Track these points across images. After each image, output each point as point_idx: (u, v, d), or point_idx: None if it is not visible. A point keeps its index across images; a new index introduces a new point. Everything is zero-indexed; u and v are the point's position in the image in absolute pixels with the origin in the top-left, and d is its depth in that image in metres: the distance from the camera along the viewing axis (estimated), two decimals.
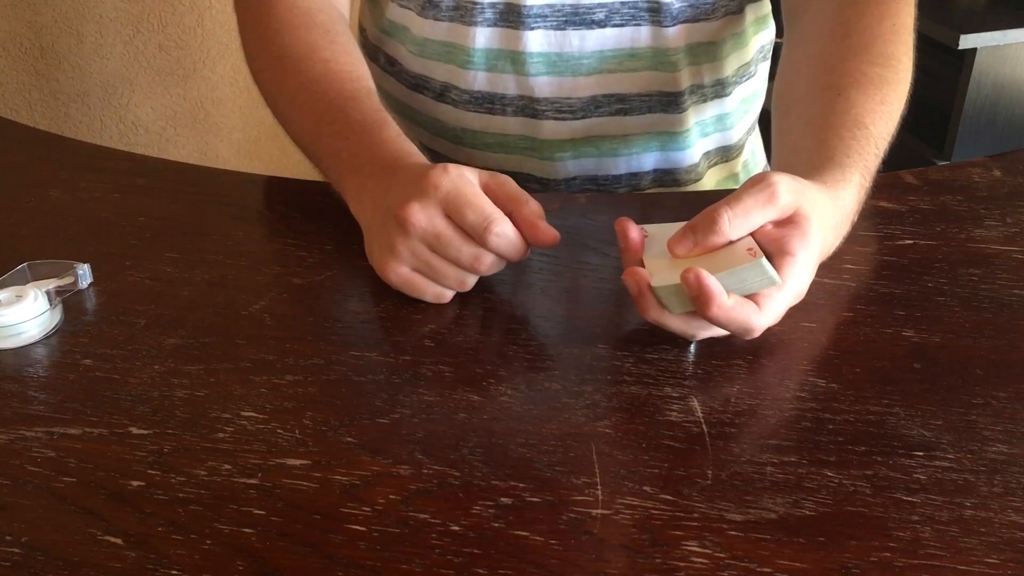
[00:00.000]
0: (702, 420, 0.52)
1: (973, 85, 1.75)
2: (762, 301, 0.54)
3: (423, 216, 0.58)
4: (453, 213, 0.58)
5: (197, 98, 1.77)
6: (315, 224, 0.71)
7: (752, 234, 0.54)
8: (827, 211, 0.57)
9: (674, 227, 0.56)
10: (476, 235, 0.58)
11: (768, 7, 0.87)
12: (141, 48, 1.70)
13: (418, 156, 0.65)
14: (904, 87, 0.68)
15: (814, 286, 0.61)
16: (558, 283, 0.63)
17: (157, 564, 0.44)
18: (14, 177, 0.80)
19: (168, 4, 1.68)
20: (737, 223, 0.53)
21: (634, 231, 0.57)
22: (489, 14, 0.79)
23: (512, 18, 0.79)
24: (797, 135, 0.67)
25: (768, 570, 0.43)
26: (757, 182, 0.54)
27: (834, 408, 0.53)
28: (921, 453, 0.49)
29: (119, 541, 0.45)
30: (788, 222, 0.54)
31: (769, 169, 0.78)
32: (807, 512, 0.46)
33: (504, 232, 0.58)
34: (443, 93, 0.84)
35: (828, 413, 0.52)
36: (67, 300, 0.62)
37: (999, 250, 0.66)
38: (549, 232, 0.59)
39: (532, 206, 0.60)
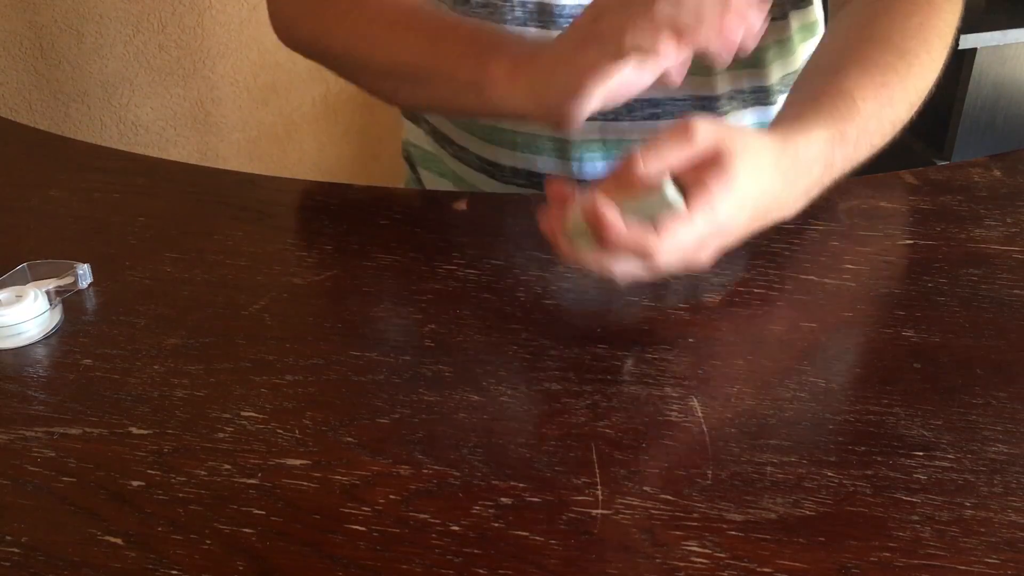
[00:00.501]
0: (702, 420, 0.52)
1: (973, 85, 1.75)
2: (661, 227, 0.53)
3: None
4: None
5: (197, 98, 1.77)
6: (315, 224, 0.71)
7: (678, 177, 0.54)
8: (764, 152, 0.57)
9: None
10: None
11: (815, 14, 0.85)
12: (141, 48, 1.70)
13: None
14: (915, 83, 0.66)
15: (814, 286, 0.61)
16: (558, 283, 0.63)
17: (157, 564, 0.44)
18: (14, 177, 0.80)
19: (168, 4, 1.68)
20: (651, 160, 0.53)
21: (559, 185, 0.57)
22: (519, 13, 0.79)
23: (544, 18, 0.78)
24: (786, 107, 0.66)
25: (768, 570, 0.43)
26: (678, 124, 0.54)
27: (834, 408, 0.53)
28: (921, 453, 0.49)
29: (119, 541, 0.45)
30: (710, 161, 0.54)
31: None
32: (807, 512, 0.46)
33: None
34: None
35: (828, 413, 0.52)
36: (67, 300, 0.62)
37: (999, 250, 0.66)
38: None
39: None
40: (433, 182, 0.93)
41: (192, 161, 1.42)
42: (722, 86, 0.81)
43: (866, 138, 0.63)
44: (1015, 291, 0.62)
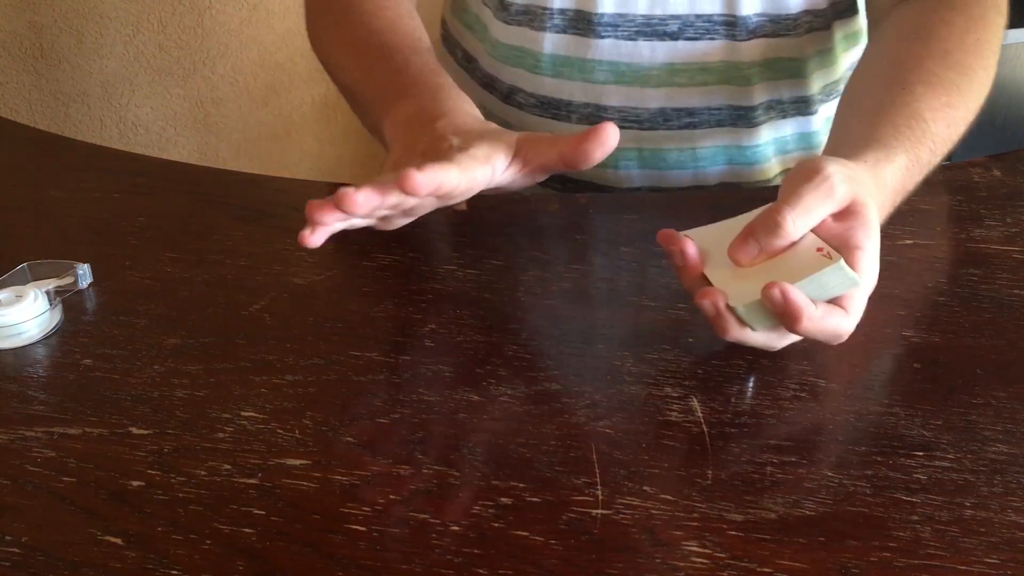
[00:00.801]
0: (702, 420, 0.52)
1: None
2: (847, 304, 0.52)
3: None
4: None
5: (197, 98, 1.77)
6: None
7: (815, 231, 0.52)
8: (875, 192, 0.56)
9: (719, 228, 0.54)
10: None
11: (859, 23, 0.84)
12: (141, 48, 1.70)
13: (462, 107, 0.63)
14: (975, 100, 0.66)
15: None
16: (558, 283, 0.63)
17: (157, 564, 0.44)
18: (14, 177, 0.80)
19: (168, 4, 1.68)
20: (800, 223, 0.52)
21: (691, 247, 0.54)
22: (558, 20, 0.79)
23: (582, 26, 0.78)
24: (853, 121, 0.65)
25: (768, 570, 0.43)
26: (810, 175, 0.52)
27: (834, 408, 0.53)
28: (921, 453, 0.49)
29: (119, 541, 0.45)
30: (848, 213, 0.53)
31: None
32: (807, 512, 0.46)
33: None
34: (509, 95, 0.84)
35: (828, 413, 0.52)
36: (67, 300, 0.62)
37: (999, 250, 0.66)
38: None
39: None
40: None
41: (192, 161, 1.42)
42: (759, 96, 0.81)
43: (933, 159, 0.63)
44: (1015, 291, 0.62)
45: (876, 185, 0.57)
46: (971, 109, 0.66)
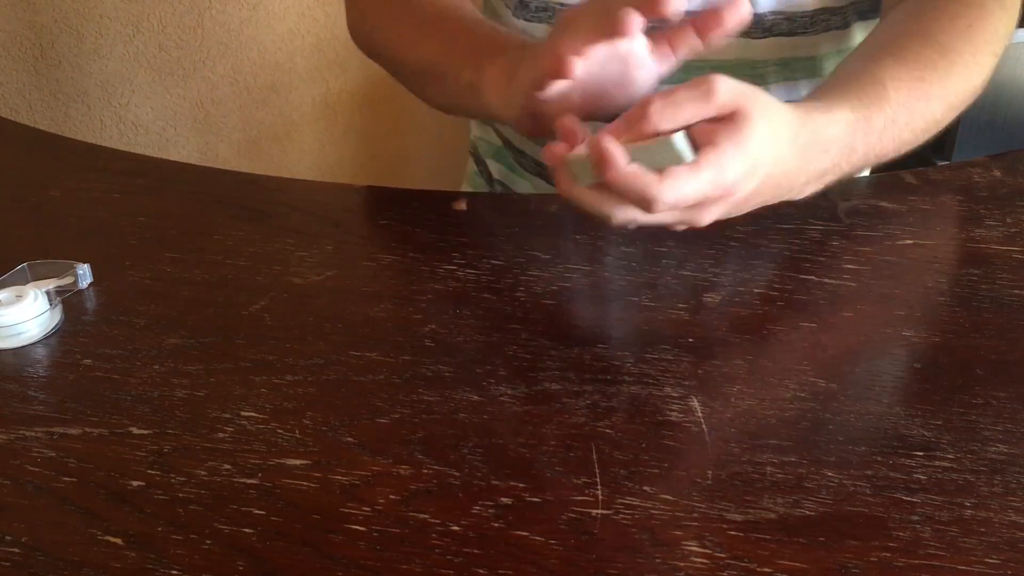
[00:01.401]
0: (702, 420, 0.52)
1: None
2: (665, 172, 0.51)
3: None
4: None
5: (197, 98, 1.77)
6: (315, 224, 0.71)
7: (688, 129, 0.52)
8: (783, 123, 0.55)
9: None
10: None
11: None
12: (141, 48, 1.70)
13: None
14: (957, 83, 0.64)
15: (814, 286, 0.61)
16: (558, 283, 0.63)
17: (157, 564, 0.44)
18: (14, 177, 0.80)
19: (168, 4, 1.68)
20: (667, 112, 0.51)
21: (573, 123, 0.55)
22: None
23: None
24: (814, 91, 0.64)
25: (768, 570, 0.43)
26: (698, 80, 0.52)
27: (834, 408, 0.53)
28: (921, 453, 0.49)
29: (119, 541, 0.45)
30: (726, 119, 0.52)
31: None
32: (807, 512, 0.46)
33: None
34: None
35: (828, 413, 0.52)
36: (67, 300, 0.62)
37: (999, 250, 0.66)
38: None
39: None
40: (505, 174, 0.94)
41: (192, 161, 1.42)
42: (774, 94, 0.80)
43: (894, 129, 0.61)
44: (1015, 291, 0.62)
45: (799, 123, 0.56)
46: (951, 91, 0.64)
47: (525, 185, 0.92)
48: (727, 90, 0.52)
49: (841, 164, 0.60)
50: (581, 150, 0.53)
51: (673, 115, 0.52)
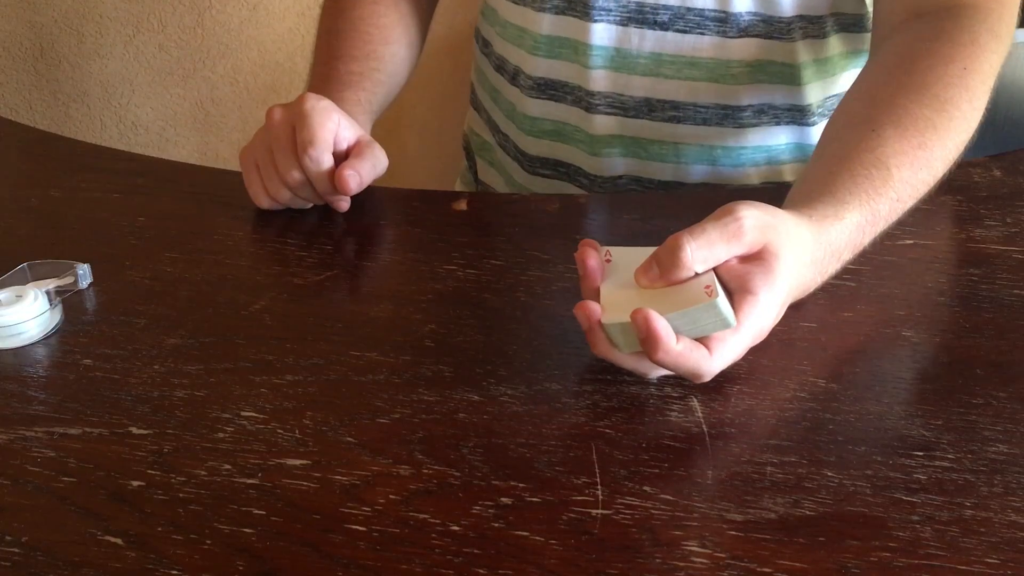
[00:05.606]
0: (702, 420, 0.52)
1: None
2: (714, 345, 0.51)
3: (278, 116, 0.69)
4: (296, 125, 0.68)
5: (197, 98, 1.77)
6: (315, 224, 0.71)
7: (716, 269, 0.52)
8: (804, 246, 0.55)
9: (642, 252, 0.54)
10: (299, 149, 0.68)
11: (867, 43, 0.81)
12: (141, 48, 1.70)
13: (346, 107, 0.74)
14: (955, 137, 0.63)
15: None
16: (558, 283, 0.63)
17: (157, 564, 0.44)
18: (14, 177, 0.80)
19: (168, 4, 1.68)
20: (700, 256, 0.51)
21: (593, 259, 0.54)
22: (556, 1, 0.80)
23: (578, 8, 0.79)
24: (818, 165, 0.63)
25: (768, 570, 0.43)
26: (722, 214, 0.52)
27: (834, 408, 0.53)
28: (921, 453, 0.49)
29: (119, 541, 0.45)
30: (755, 258, 0.52)
31: None
32: (807, 512, 0.46)
33: (317, 159, 0.67)
34: (515, 76, 0.87)
35: (828, 413, 0.52)
36: (67, 300, 0.62)
37: (999, 250, 0.66)
38: (348, 180, 0.67)
39: (359, 161, 0.68)
40: (484, 170, 0.96)
41: (192, 161, 1.42)
42: (748, 98, 0.80)
43: (898, 207, 0.61)
44: (1015, 291, 0.62)
45: (815, 242, 0.56)
46: (951, 147, 0.63)
47: (500, 182, 0.93)
48: (753, 227, 0.52)
49: (847, 258, 0.60)
50: (616, 317, 0.51)
51: (705, 259, 0.51)
